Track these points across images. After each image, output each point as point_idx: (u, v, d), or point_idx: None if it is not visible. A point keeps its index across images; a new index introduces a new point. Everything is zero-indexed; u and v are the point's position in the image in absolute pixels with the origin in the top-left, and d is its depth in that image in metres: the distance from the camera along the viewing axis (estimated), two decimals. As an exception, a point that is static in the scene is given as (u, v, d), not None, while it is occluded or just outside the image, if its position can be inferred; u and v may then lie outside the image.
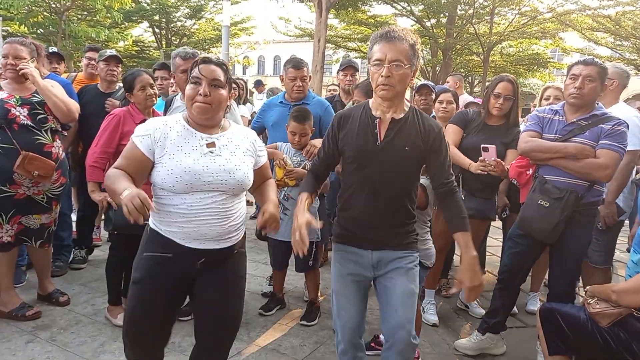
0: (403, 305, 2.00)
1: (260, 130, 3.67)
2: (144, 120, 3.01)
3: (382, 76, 1.89)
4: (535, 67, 18.86)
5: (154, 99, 3.14)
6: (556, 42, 17.37)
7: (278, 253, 3.36)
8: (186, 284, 1.93)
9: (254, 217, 5.54)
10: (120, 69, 4.12)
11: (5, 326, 2.98)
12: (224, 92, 1.87)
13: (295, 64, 3.52)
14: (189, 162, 1.78)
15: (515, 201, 3.52)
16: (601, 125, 2.63)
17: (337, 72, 4.62)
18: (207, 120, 1.86)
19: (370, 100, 2.08)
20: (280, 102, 3.62)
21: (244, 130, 2.03)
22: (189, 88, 1.84)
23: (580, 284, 3.39)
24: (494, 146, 3.00)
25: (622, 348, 2.16)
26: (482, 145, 3.01)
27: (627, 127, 2.66)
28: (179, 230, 1.82)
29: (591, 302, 2.30)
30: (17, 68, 2.99)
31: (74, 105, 3.25)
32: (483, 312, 3.41)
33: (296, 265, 3.36)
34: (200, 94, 1.80)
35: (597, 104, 2.75)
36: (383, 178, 1.98)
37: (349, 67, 4.38)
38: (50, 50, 4.16)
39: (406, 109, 2.03)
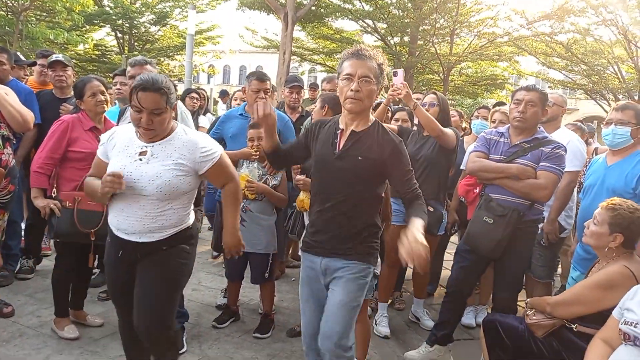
0: (333, 315, 2.07)
1: (219, 141, 3.65)
2: (93, 127, 3.00)
3: (351, 90, 1.99)
4: (492, 89, 19.59)
5: (104, 105, 3.09)
6: (512, 65, 18.12)
7: (233, 264, 3.36)
8: (131, 267, 2.19)
9: (211, 229, 5.50)
10: (70, 73, 3.98)
11: (-58, 338, 2.86)
12: (165, 115, 2.02)
13: (259, 76, 3.55)
14: (117, 166, 2.05)
15: (464, 218, 3.67)
16: (542, 148, 2.80)
17: (283, 88, 4.67)
18: (152, 139, 2.07)
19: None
20: (241, 114, 3.64)
21: (184, 138, 2.12)
22: (132, 113, 1.99)
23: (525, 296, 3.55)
24: (402, 69, 3.34)
25: (555, 357, 2.29)
26: (392, 70, 3.19)
27: (565, 150, 2.84)
28: (113, 221, 2.16)
29: (529, 313, 2.45)
30: None
31: (30, 115, 3.19)
32: (432, 323, 3.50)
33: (252, 276, 3.38)
34: (142, 124, 1.97)
35: (539, 128, 2.93)
36: (335, 185, 2.09)
37: (295, 86, 4.42)
38: (54, 58, 3.94)
39: (369, 124, 2.12)
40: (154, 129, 2.01)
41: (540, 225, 3.11)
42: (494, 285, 3.04)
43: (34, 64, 4.49)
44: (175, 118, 3.13)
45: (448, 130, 3.41)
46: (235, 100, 4.94)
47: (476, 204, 3.07)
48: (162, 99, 1.97)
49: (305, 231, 2.34)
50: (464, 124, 5.62)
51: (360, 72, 1.99)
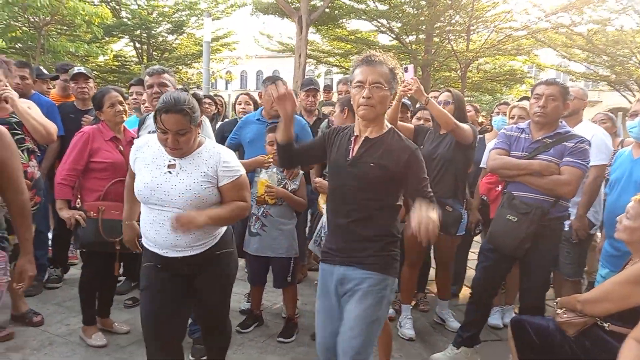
0: (350, 330, 1.99)
1: (236, 147, 3.67)
2: (113, 137, 3.05)
3: (363, 97, 1.98)
4: (512, 84, 19.30)
5: (123, 115, 3.14)
6: (531, 59, 17.83)
7: (255, 269, 3.37)
8: (184, 283, 2.21)
9: None
10: (91, 84, 4.07)
11: (-24, 348, 2.94)
12: (190, 134, 2.02)
13: (275, 81, 3.54)
14: (148, 179, 2.07)
15: (487, 216, 3.61)
16: (565, 143, 2.74)
17: (299, 92, 4.66)
18: (181, 156, 2.08)
19: None
20: (258, 120, 3.65)
21: (211, 151, 2.14)
22: (158, 133, 2.01)
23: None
24: (412, 65, 3.37)
25: (587, 357, 2.23)
26: (403, 66, 3.14)
27: (589, 144, 2.77)
28: (154, 241, 2.12)
29: (559, 312, 2.39)
30: None
31: (53, 127, 3.26)
32: (458, 325, 3.45)
33: (274, 281, 3.39)
34: (169, 144, 2.01)
35: (561, 122, 2.86)
36: (348, 192, 2.07)
37: (311, 89, 4.42)
38: (77, 71, 4.05)
39: (384, 130, 2.09)
40: (180, 148, 2.02)
41: (567, 222, 3.04)
42: (520, 284, 2.98)
43: (56, 77, 4.60)
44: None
45: (464, 125, 3.35)
46: (240, 104, 4.87)
47: (499, 202, 3.02)
48: (185, 119, 1.97)
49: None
50: (480, 119, 5.53)
51: (371, 78, 1.98)
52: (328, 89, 7.14)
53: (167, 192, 2.05)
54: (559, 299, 2.54)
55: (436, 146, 3.47)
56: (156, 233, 2.10)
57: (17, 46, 14.52)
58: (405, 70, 3.15)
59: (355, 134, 2.11)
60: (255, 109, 4.81)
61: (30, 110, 3.14)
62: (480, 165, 3.84)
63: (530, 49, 16.95)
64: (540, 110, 2.75)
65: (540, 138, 2.81)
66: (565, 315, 2.35)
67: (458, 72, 17.33)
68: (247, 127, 3.66)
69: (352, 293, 2.06)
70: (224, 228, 2.27)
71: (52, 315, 3.46)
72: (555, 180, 2.69)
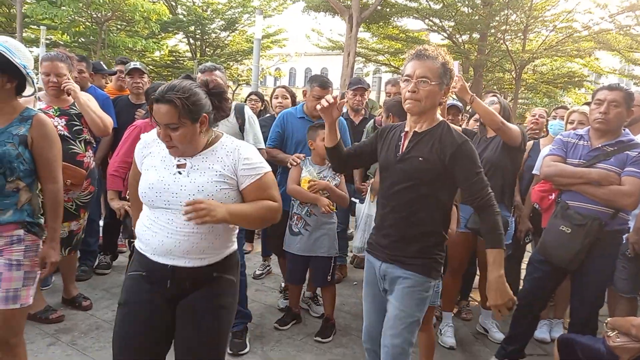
0: (390, 329, 2.04)
1: (280, 140, 3.54)
2: None
3: (408, 91, 1.96)
4: (570, 87, 18.43)
5: None
6: (590, 63, 16.92)
7: (296, 268, 3.37)
8: (169, 306, 1.83)
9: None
10: (146, 79, 4.20)
11: (29, 328, 3.06)
12: (185, 130, 1.72)
13: (322, 83, 3.48)
14: (155, 179, 1.80)
15: (539, 225, 3.45)
16: (627, 152, 2.57)
17: (347, 90, 4.60)
18: (181, 155, 1.81)
19: None
20: (302, 117, 3.61)
21: (229, 147, 1.86)
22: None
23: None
24: (457, 62, 3.28)
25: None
26: None
27: (656, 154, 2.58)
28: (148, 244, 1.81)
29: (611, 335, 2.23)
30: (62, 87, 3.13)
31: (109, 121, 3.39)
32: (502, 336, 3.33)
33: (313, 279, 3.38)
34: (161, 140, 1.77)
35: (624, 129, 2.68)
36: (397, 188, 2.04)
37: (359, 88, 4.33)
38: (132, 66, 4.18)
39: (434, 124, 2.04)
40: (174, 145, 1.74)
41: (625, 236, 2.85)
42: (571, 298, 2.84)
43: (114, 73, 4.78)
44: (243, 126, 3.19)
45: (511, 125, 3.21)
46: (277, 98, 4.82)
47: (551, 212, 2.87)
48: (174, 111, 1.67)
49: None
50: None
51: (419, 72, 1.94)
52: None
53: (175, 193, 1.76)
54: (609, 319, 2.37)
55: (483, 150, 3.34)
56: (153, 235, 1.79)
57: (80, 40, 15.28)
58: None
59: (405, 129, 2.09)
60: (293, 102, 4.79)
61: (90, 103, 3.27)
62: (534, 172, 3.66)
63: (592, 50, 16.09)
64: (602, 116, 2.60)
65: (600, 146, 2.65)
66: (618, 339, 2.20)
67: (512, 73, 16.73)
68: (290, 124, 3.57)
69: (392, 291, 2.07)
70: (231, 249, 1.92)
71: (100, 300, 3.60)
72: (615, 190, 2.53)
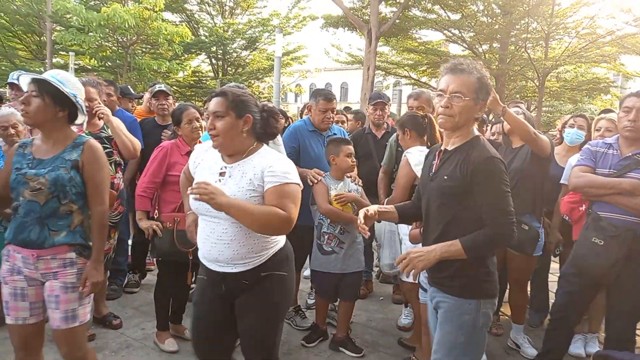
0: (435, 353, 2.02)
1: (297, 157, 3.52)
2: (190, 152, 3.18)
3: (441, 106, 1.92)
4: (595, 93, 18.02)
5: (199, 131, 3.28)
6: (615, 67, 16.55)
7: (331, 284, 3.30)
8: (229, 304, 2.09)
9: None
10: (171, 101, 4.30)
11: (62, 347, 3.14)
12: (228, 119, 1.94)
13: (327, 96, 3.54)
14: None
15: (569, 237, 3.37)
16: (660, 160, 2.50)
17: (367, 105, 4.60)
18: (221, 150, 2.03)
19: None
20: (314, 131, 3.62)
21: (263, 155, 2.01)
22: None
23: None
24: None
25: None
26: None
27: (689, 162, 2.51)
28: (201, 251, 2.06)
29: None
30: (94, 111, 3.22)
31: (138, 144, 3.48)
32: (535, 352, 3.25)
33: (345, 294, 3.34)
34: (207, 127, 1.99)
35: (655, 137, 2.61)
36: (429, 209, 2.03)
37: (379, 102, 4.29)
38: (158, 89, 4.33)
39: (466, 140, 1.95)
40: (217, 134, 1.95)
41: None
42: (607, 311, 2.75)
43: (141, 97, 4.92)
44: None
45: (542, 135, 3.17)
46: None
47: (582, 223, 2.80)
48: (224, 100, 1.95)
49: None
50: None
51: (452, 87, 1.88)
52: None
53: None
54: None
55: (510, 160, 3.27)
56: (202, 244, 2.05)
57: (107, 64, 15.73)
58: None
59: (442, 147, 2.06)
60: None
61: (121, 126, 3.37)
62: (561, 181, 3.57)
63: (617, 55, 15.73)
64: (631, 124, 2.55)
65: (630, 154, 2.59)
66: None
67: (535, 81, 16.48)
68: (305, 137, 3.59)
69: (437, 313, 2.05)
70: (275, 248, 2.06)
71: (130, 319, 3.66)
72: (648, 200, 2.46)
